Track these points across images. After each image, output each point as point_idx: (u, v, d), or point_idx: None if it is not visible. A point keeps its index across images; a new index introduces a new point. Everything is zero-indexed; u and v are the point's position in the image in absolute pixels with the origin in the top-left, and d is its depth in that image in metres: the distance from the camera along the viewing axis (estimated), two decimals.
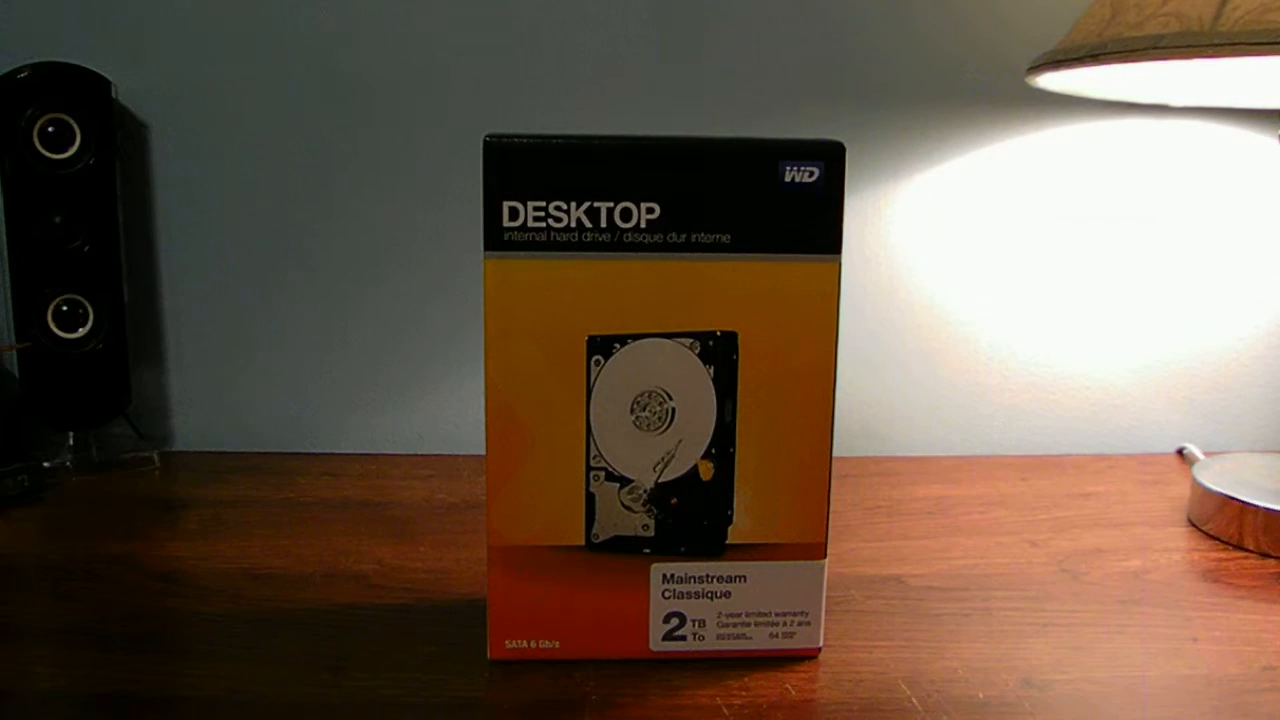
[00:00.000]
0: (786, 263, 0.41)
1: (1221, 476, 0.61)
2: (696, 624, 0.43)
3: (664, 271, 0.41)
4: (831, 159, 0.41)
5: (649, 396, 0.41)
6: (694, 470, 0.42)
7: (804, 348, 0.42)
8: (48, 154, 0.66)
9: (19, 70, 0.66)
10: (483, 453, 0.42)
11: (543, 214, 0.40)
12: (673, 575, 0.43)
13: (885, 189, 0.75)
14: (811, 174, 0.40)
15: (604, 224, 0.40)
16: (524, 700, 0.40)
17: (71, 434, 0.70)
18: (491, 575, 0.42)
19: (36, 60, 0.66)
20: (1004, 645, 0.45)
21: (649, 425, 0.42)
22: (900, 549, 0.57)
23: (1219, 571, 0.54)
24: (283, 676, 0.42)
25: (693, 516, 0.42)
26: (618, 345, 0.41)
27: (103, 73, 0.68)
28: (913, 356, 0.77)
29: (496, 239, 0.40)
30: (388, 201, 0.74)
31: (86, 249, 0.68)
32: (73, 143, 0.67)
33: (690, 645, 0.43)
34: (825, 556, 0.43)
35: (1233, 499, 0.58)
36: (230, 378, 0.76)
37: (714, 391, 0.42)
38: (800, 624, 0.44)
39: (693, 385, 0.41)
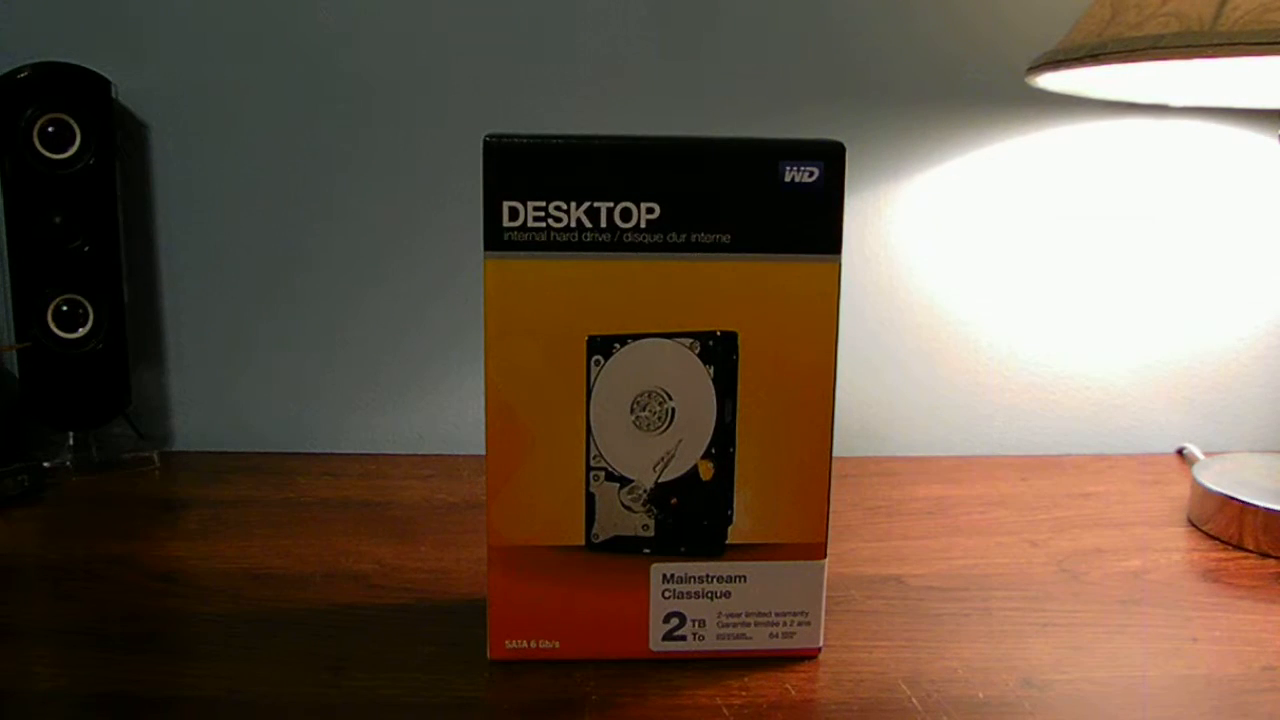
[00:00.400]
0: (786, 263, 0.41)
1: (1221, 476, 0.61)
2: (696, 624, 0.43)
3: (664, 271, 0.41)
4: (831, 159, 0.41)
5: (649, 396, 0.41)
6: (694, 470, 0.42)
7: (804, 348, 0.42)
8: (48, 154, 0.66)
9: (19, 70, 0.66)
10: (483, 453, 0.42)
11: (543, 214, 0.40)
12: (673, 575, 0.43)
13: (885, 189, 0.75)
14: (811, 174, 0.40)
15: (604, 224, 0.40)
16: (524, 700, 0.40)
17: (71, 434, 0.70)
18: (491, 575, 0.42)
19: (36, 60, 0.66)
20: (1004, 645, 0.45)
21: (649, 425, 0.42)
22: (900, 549, 0.57)
23: (1219, 571, 0.54)
24: (283, 676, 0.42)
25: (693, 516, 0.42)
26: (618, 345, 0.41)
27: (103, 73, 0.68)
28: (913, 356, 0.77)
29: (496, 239, 0.40)
30: (388, 201, 0.74)
31: (86, 249, 0.68)
32: (73, 143, 0.67)
33: (690, 645, 0.43)
34: (825, 556, 0.43)
35: (1233, 499, 0.58)
36: (230, 378, 0.76)
37: (714, 391, 0.42)
38: (800, 624, 0.44)
39: (693, 385, 0.41)
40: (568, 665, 0.43)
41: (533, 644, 0.43)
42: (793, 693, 0.41)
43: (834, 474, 0.43)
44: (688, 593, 0.43)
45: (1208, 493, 0.59)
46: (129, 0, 0.71)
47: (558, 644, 0.43)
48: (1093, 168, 0.75)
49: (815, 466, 0.42)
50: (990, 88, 0.73)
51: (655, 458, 0.42)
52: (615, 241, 0.40)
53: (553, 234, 0.40)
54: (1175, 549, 0.57)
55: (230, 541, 0.56)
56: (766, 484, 0.42)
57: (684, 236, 0.40)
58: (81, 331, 0.69)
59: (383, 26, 0.72)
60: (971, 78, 0.73)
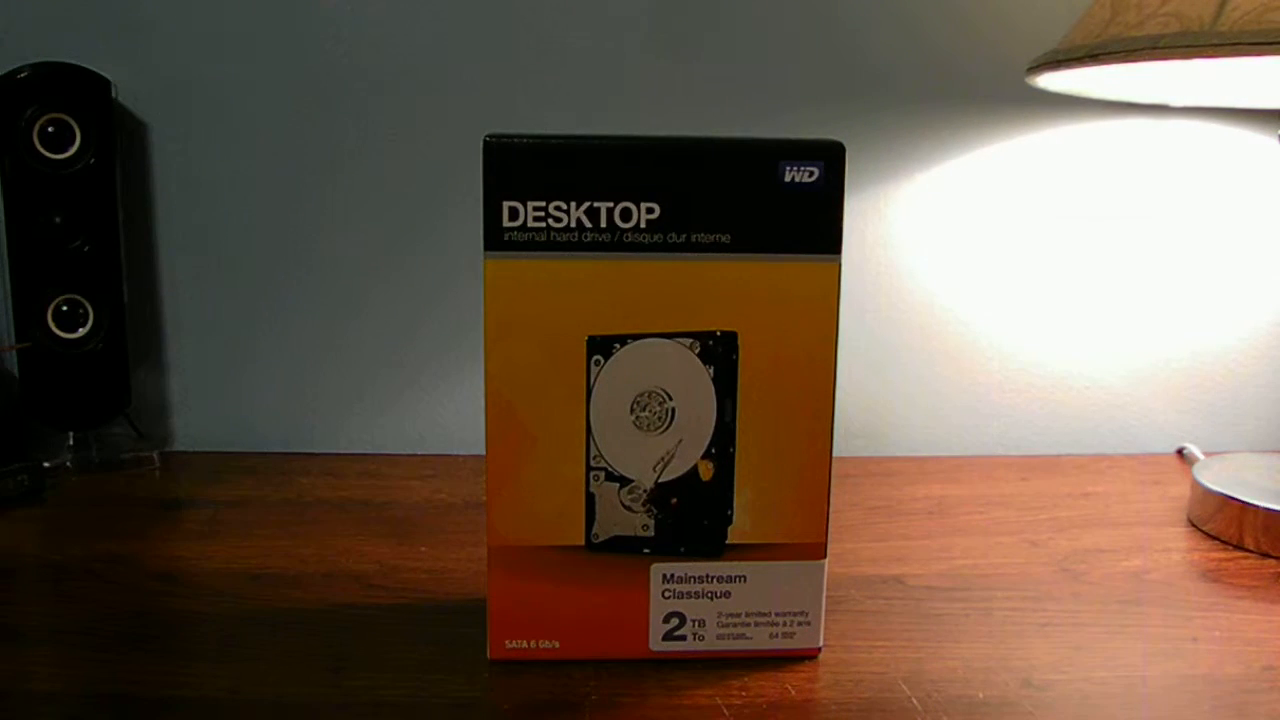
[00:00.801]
0: (786, 263, 0.41)
1: (1221, 476, 0.61)
2: (696, 624, 0.43)
3: (664, 271, 0.41)
4: (831, 159, 0.41)
5: (649, 396, 0.41)
6: (694, 470, 0.42)
7: (804, 348, 0.41)
8: (48, 154, 0.66)
9: (19, 70, 0.66)
10: (483, 453, 0.42)
11: (543, 214, 0.40)
12: (673, 575, 0.43)
13: (885, 189, 0.75)
14: (811, 174, 0.40)
15: (604, 224, 0.40)
16: (524, 700, 0.40)
17: (71, 434, 0.70)
18: (491, 575, 0.42)
19: (36, 60, 0.66)
20: (1004, 645, 0.45)
21: (649, 425, 0.42)
22: (900, 549, 0.57)
23: (1219, 571, 0.54)
24: (283, 676, 0.42)
25: (693, 516, 0.42)
26: (618, 345, 0.41)
27: (103, 73, 0.68)
28: (913, 356, 0.77)
29: (496, 239, 0.40)
30: (388, 201, 0.74)
31: (86, 249, 0.68)
32: (73, 143, 0.67)
33: (690, 645, 0.43)
34: (825, 556, 0.43)
35: (1233, 499, 0.58)
36: (230, 378, 0.76)
37: (714, 391, 0.42)
38: (800, 624, 0.44)
39: (693, 385, 0.41)
40: (568, 665, 0.43)
41: (533, 644, 0.43)
42: (793, 693, 0.41)
43: (834, 474, 0.43)
44: (688, 593, 0.43)
45: (1208, 493, 0.59)
46: (129, 0, 0.71)
47: (558, 644, 0.43)
48: (1093, 168, 0.75)
49: (815, 466, 0.42)
50: (990, 88, 0.73)
51: (655, 458, 0.42)
52: (615, 241, 0.40)
53: (553, 234, 0.40)
54: (1175, 549, 0.57)
55: (230, 541, 0.56)
56: (766, 484, 0.42)
57: (684, 236, 0.40)
58: (81, 331, 0.69)
59: (383, 26, 0.72)
60: (971, 78, 0.73)
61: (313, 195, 0.74)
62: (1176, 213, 0.76)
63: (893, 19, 0.72)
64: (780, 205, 0.41)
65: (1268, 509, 0.56)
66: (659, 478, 0.42)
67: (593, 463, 0.42)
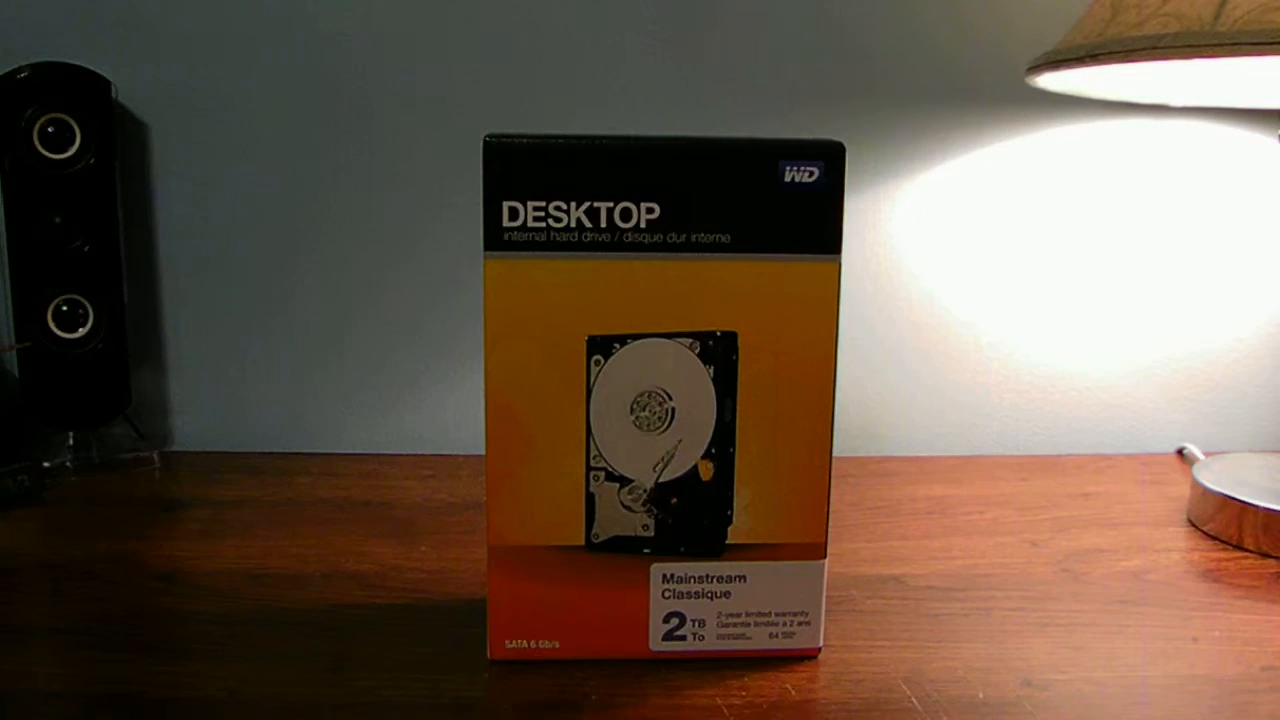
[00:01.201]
0: (786, 263, 0.41)
1: (1221, 476, 0.61)
2: (696, 624, 0.43)
3: (664, 271, 0.41)
4: (831, 159, 0.41)
5: (649, 396, 0.41)
6: (694, 470, 0.42)
7: (804, 348, 0.42)
8: (48, 154, 0.66)
9: (19, 70, 0.66)
10: (483, 453, 0.42)
11: (543, 214, 0.40)
12: (673, 575, 0.43)
13: (885, 189, 0.75)
14: (811, 174, 0.40)
15: (604, 224, 0.40)
16: (524, 700, 0.40)
17: (71, 434, 0.70)
18: (491, 575, 0.42)
19: (36, 60, 0.66)
20: (1004, 645, 0.45)
21: (649, 425, 0.42)
22: (900, 549, 0.57)
23: (1219, 571, 0.54)
24: (283, 676, 0.42)
25: (693, 516, 0.42)
26: (618, 345, 0.41)
27: (103, 73, 0.68)
28: (913, 356, 0.77)
29: (496, 239, 0.40)
30: (387, 201, 0.74)
31: (86, 249, 0.68)
32: (73, 143, 0.67)
33: (690, 645, 0.43)
34: (825, 556, 0.43)
35: (1233, 499, 0.58)
36: (230, 378, 0.76)
37: (714, 391, 0.42)
38: (800, 624, 0.44)
39: (693, 385, 0.41)
40: (568, 665, 0.43)
41: (533, 644, 0.43)
42: (793, 693, 0.41)
43: (834, 474, 0.43)
44: (688, 593, 0.43)
45: (1208, 493, 0.59)
46: (129, 0, 0.71)
47: (558, 644, 0.43)
48: (1093, 168, 0.75)
49: (815, 466, 0.42)
50: (990, 88, 0.73)
51: (655, 458, 0.42)
52: (615, 241, 0.40)
53: (553, 234, 0.40)
54: (1175, 549, 0.57)
55: (230, 541, 0.56)
56: (766, 484, 0.42)
57: (684, 236, 0.40)
58: (81, 331, 0.69)
59: (383, 26, 0.72)
60: (972, 78, 0.73)
61: (313, 195, 0.74)
62: (1176, 213, 0.76)
63: (893, 19, 0.72)
64: (780, 205, 0.41)
65: (1268, 509, 0.56)
66: (659, 478, 0.42)
67: (593, 463, 0.42)
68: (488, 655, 0.43)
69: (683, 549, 0.43)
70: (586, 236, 0.40)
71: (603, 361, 0.41)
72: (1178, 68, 0.58)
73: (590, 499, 0.42)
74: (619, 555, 0.42)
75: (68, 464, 0.69)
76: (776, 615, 0.43)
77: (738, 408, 0.42)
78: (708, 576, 0.43)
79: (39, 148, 0.66)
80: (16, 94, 0.65)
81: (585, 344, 0.41)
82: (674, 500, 0.42)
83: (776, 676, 0.42)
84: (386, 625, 0.47)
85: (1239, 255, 0.76)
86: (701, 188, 0.40)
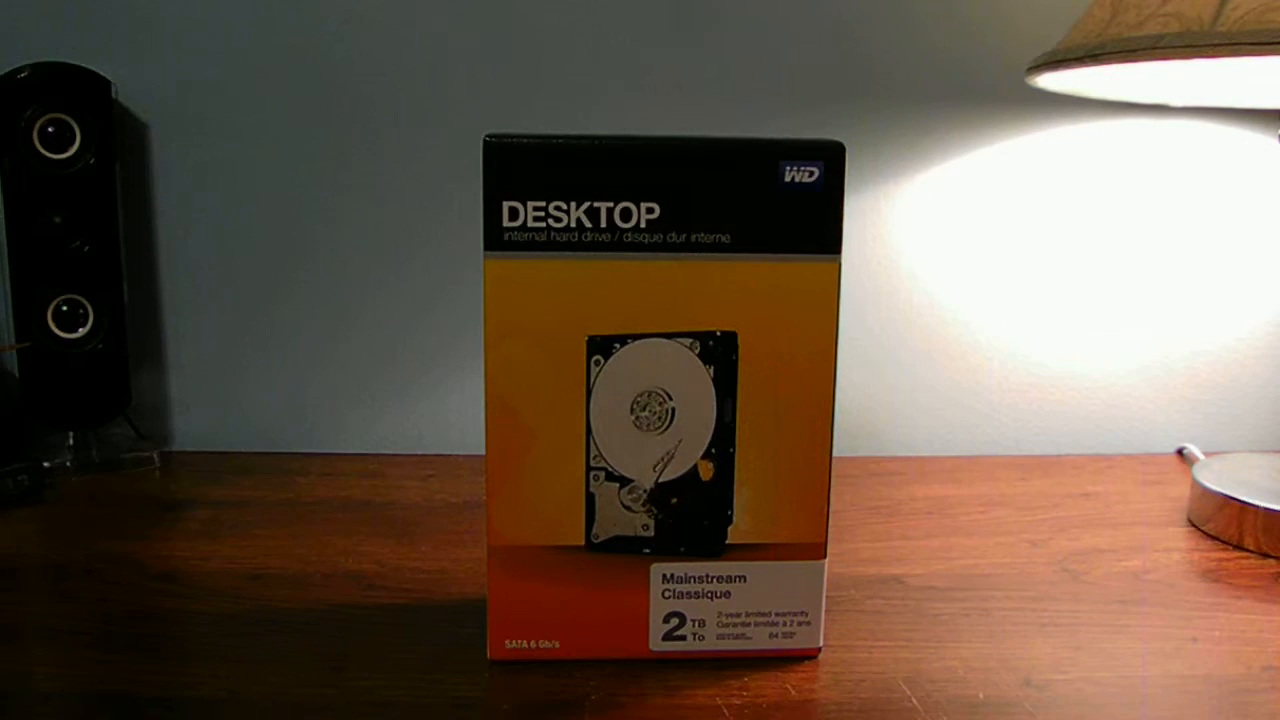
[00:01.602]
0: (786, 263, 0.41)
1: (1221, 476, 0.61)
2: (696, 624, 0.43)
3: (664, 271, 0.41)
4: (831, 159, 0.41)
5: (649, 396, 0.41)
6: (694, 470, 0.42)
7: (804, 348, 0.42)
8: (48, 154, 0.66)
9: (19, 70, 0.66)
10: (483, 453, 0.42)
11: (543, 214, 0.40)
12: (673, 575, 0.43)
13: (885, 189, 0.75)
14: (811, 174, 0.40)
15: (604, 224, 0.40)
16: (524, 700, 0.40)
17: (71, 434, 0.70)
18: (491, 575, 0.42)
19: (36, 60, 0.66)
20: (1004, 645, 0.45)
21: (649, 425, 0.42)
22: (900, 549, 0.57)
23: (1219, 571, 0.54)
24: (283, 676, 0.42)
25: (693, 516, 0.42)
26: (618, 345, 0.41)
27: (103, 73, 0.68)
28: (913, 356, 0.77)
29: (496, 239, 0.40)
30: (387, 201, 0.74)
31: (86, 249, 0.68)
32: (73, 143, 0.67)
33: (690, 645, 0.43)
34: (825, 556, 0.43)
35: (1233, 499, 0.58)
36: (230, 378, 0.76)
37: (714, 391, 0.42)
38: (800, 624, 0.44)
39: (693, 385, 0.41)
40: (568, 665, 0.43)
41: (533, 644, 0.43)
42: (793, 693, 0.41)
43: (834, 474, 0.43)
44: (688, 593, 0.43)
45: (1208, 493, 0.59)
46: (129, 0, 0.71)
47: (558, 644, 0.43)
48: (1093, 168, 0.75)
49: (815, 466, 0.42)
50: (990, 88, 0.73)
51: (655, 458, 0.42)
52: (615, 241, 0.40)
53: (553, 234, 0.40)
54: (1175, 549, 0.57)
55: (230, 541, 0.56)
56: (766, 484, 0.42)
57: (684, 236, 0.40)
58: (81, 331, 0.69)
59: (383, 27, 0.72)
60: (971, 78, 0.73)
61: (313, 195, 0.74)
62: (1176, 213, 0.76)
63: (893, 19, 0.72)
64: (780, 205, 0.41)
65: (1268, 509, 0.56)
66: (659, 478, 0.42)
67: (593, 463, 0.42)
68: (488, 655, 0.43)
69: (683, 549, 0.43)
70: (586, 236, 0.40)
71: (603, 361, 0.41)
72: (1178, 68, 0.58)
73: (590, 499, 0.42)
74: (619, 555, 0.42)
75: (68, 464, 0.68)
76: (776, 615, 0.43)
77: (738, 408, 0.42)
78: (708, 576, 0.43)
79: (39, 148, 0.66)
80: (16, 94, 0.65)
81: (585, 344, 0.41)
82: (674, 500, 0.42)
83: (776, 676, 0.42)
84: (386, 625, 0.47)
85: (1239, 255, 0.76)
86: (701, 188, 0.40)
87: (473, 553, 0.55)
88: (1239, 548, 0.57)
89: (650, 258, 0.41)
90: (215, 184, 0.74)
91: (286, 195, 0.74)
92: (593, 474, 0.42)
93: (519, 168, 0.40)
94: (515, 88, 0.73)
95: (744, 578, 0.43)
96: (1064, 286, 0.76)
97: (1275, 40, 0.46)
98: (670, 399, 0.42)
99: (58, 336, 0.68)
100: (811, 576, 0.43)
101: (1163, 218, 0.76)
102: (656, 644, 0.43)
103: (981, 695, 0.41)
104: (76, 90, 0.67)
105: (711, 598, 0.43)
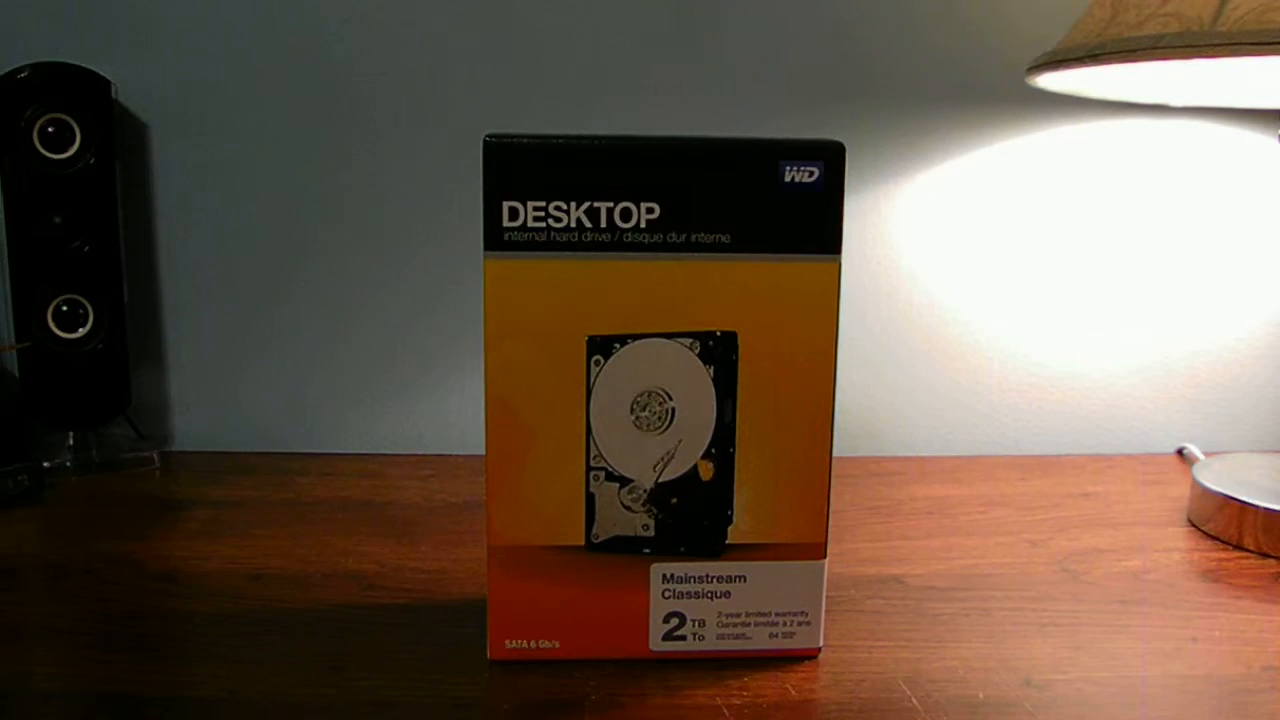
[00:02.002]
0: (786, 263, 0.41)
1: (1221, 476, 0.61)
2: (696, 624, 0.43)
3: (664, 271, 0.41)
4: (831, 159, 0.41)
5: (649, 396, 0.41)
6: (694, 470, 0.42)
7: (804, 348, 0.41)
8: (48, 154, 0.66)
9: (19, 70, 0.66)
10: (483, 453, 0.42)
11: (543, 214, 0.40)
12: (673, 575, 0.43)
13: (885, 189, 0.75)
14: (811, 174, 0.40)
15: (604, 224, 0.40)
16: (524, 700, 0.40)
17: (71, 434, 0.70)
18: (491, 575, 0.42)
19: (36, 60, 0.66)
20: (1004, 645, 0.45)
21: (649, 425, 0.42)
22: (900, 549, 0.57)
23: (1219, 571, 0.54)
24: (283, 676, 0.42)
25: (693, 516, 0.42)
26: (618, 345, 0.41)
27: (103, 73, 0.68)
28: (913, 356, 0.77)
29: (496, 239, 0.40)
30: (387, 201, 0.74)
31: (86, 249, 0.68)
32: (73, 143, 0.67)
33: (690, 645, 0.43)
34: (825, 556, 0.43)
35: (1233, 499, 0.58)
36: (230, 378, 0.76)
37: (714, 391, 0.42)
38: (800, 624, 0.44)
39: (693, 385, 0.41)
40: (568, 665, 0.43)
41: (533, 644, 0.43)
42: (793, 693, 0.41)
43: (834, 474, 0.43)
44: (688, 593, 0.43)
45: (1208, 493, 0.59)
46: (129, 0, 0.71)
47: (558, 644, 0.43)
48: (1093, 168, 0.75)
49: (815, 466, 0.42)
50: (990, 88, 0.73)
51: (655, 458, 0.42)
52: (615, 241, 0.40)
53: (553, 234, 0.40)
54: (1175, 549, 0.57)
55: (230, 541, 0.56)
56: (766, 484, 0.42)
57: (684, 236, 0.40)
58: (81, 331, 0.69)
59: (383, 27, 0.72)
60: (971, 77, 0.73)
61: (313, 195, 0.74)
62: (1176, 213, 0.76)
63: (893, 19, 0.72)
64: (780, 205, 0.41)
65: (1268, 509, 0.56)
66: (659, 478, 0.42)
67: (593, 463, 0.42)
68: (488, 655, 0.43)
69: (683, 549, 0.43)
70: (586, 236, 0.40)
71: (603, 361, 0.41)
72: (1178, 68, 0.58)
73: (590, 499, 0.42)
74: (619, 555, 0.42)
75: (68, 464, 0.69)
76: (776, 615, 0.43)
77: (738, 408, 0.42)
78: (708, 576, 0.43)
79: (39, 148, 0.66)
80: (16, 94, 0.65)
81: (585, 344, 0.41)
82: (674, 500, 0.42)
83: (776, 676, 0.42)
84: (386, 625, 0.47)
85: (1239, 255, 0.76)
86: (701, 188, 0.40)
87: (473, 553, 0.55)
88: (1239, 548, 0.57)
89: (650, 258, 0.41)
90: (215, 184, 0.74)
91: (286, 195, 0.74)
92: (593, 474, 0.42)
93: (519, 168, 0.40)
94: (515, 88, 0.73)
95: (744, 578, 0.43)
96: (1064, 286, 0.76)
97: (1275, 40, 0.46)
98: (670, 399, 0.42)
99: (58, 336, 0.68)
100: (811, 576, 0.43)
101: (1163, 218, 0.76)
102: (656, 644, 0.43)
103: (981, 695, 0.41)
104: (76, 90, 0.67)
105: (711, 598, 0.43)
